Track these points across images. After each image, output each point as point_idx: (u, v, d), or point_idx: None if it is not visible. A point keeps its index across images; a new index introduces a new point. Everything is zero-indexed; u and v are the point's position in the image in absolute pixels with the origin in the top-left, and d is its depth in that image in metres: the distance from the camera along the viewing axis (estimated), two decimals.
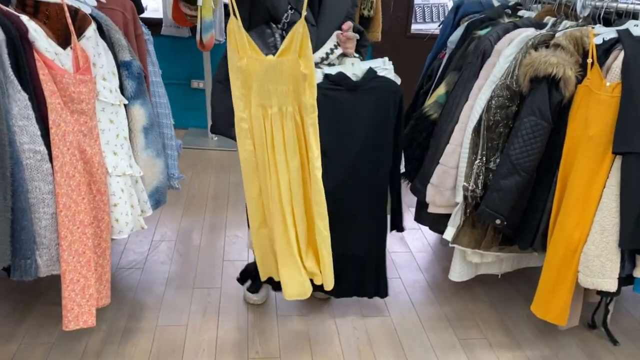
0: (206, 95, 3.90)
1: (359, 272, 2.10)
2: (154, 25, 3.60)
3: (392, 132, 1.99)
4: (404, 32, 4.27)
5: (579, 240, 1.79)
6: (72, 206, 1.65)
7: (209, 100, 2.48)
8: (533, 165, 1.85)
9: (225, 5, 3.49)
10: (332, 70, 1.89)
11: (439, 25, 2.74)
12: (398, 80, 2.02)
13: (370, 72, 1.93)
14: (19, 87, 1.53)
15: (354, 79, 1.91)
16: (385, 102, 1.94)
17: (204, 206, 3.07)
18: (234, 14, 1.59)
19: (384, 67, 1.98)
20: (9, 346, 1.93)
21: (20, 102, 1.53)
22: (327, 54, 1.94)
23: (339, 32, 1.95)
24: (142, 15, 3.13)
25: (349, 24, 1.95)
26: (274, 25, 1.90)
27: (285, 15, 1.91)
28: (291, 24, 1.90)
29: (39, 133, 1.57)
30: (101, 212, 1.75)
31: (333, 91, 1.87)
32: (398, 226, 2.19)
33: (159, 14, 4.01)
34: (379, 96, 1.92)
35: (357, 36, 1.97)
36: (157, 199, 2.03)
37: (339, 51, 1.95)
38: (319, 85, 1.83)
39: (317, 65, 1.92)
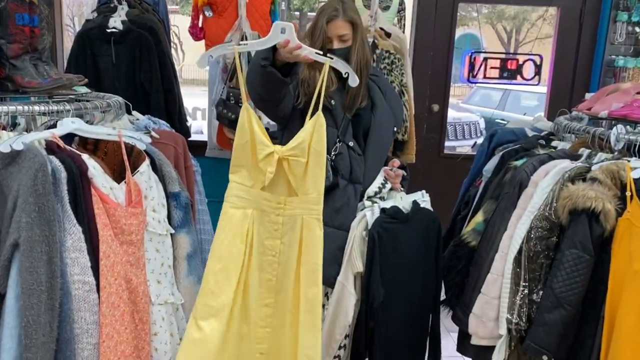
0: None
1: None
2: (199, 147, 3.80)
3: (433, 260, 2.08)
4: (437, 152, 4.38)
5: None
6: (115, 336, 1.67)
7: None
8: (578, 298, 1.81)
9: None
10: (386, 204, 2.02)
11: (473, 146, 2.82)
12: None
13: (416, 204, 2.05)
14: (75, 221, 1.61)
15: (404, 211, 2.02)
16: (428, 231, 2.05)
17: None
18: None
19: (423, 200, 2.10)
20: None
21: (74, 235, 1.61)
22: (379, 188, 2.06)
23: (387, 168, 2.06)
24: (188, 139, 3.33)
25: (396, 162, 2.09)
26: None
27: (335, 147, 2.01)
28: (339, 154, 2.01)
29: (89, 264, 1.63)
30: (142, 341, 1.76)
31: (390, 224, 1.98)
32: (436, 357, 2.18)
33: (203, 137, 4.24)
34: (424, 226, 2.04)
35: (404, 172, 2.09)
36: None
37: (388, 186, 2.09)
38: (378, 219, 1.93)
39: (370, 199, 2.01)
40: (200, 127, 6.61)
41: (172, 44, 3.96)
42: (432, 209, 2.12)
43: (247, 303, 1.81)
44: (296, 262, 1.78)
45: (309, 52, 1.77)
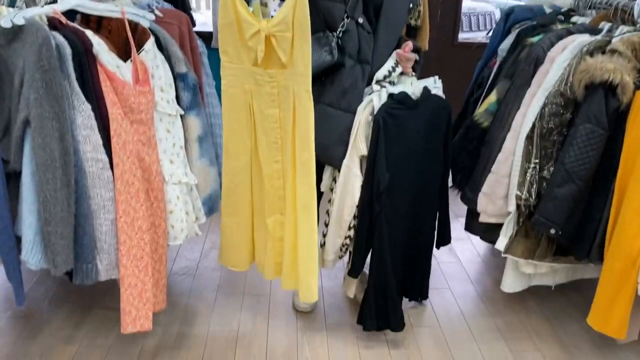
0: None
1: (411, 276, 2.16)
2: (205, 38, 3.70)
3: (442, 145, 2.06)
4: (451, 41, 4.24)
5: (638, 251, 1.74)
6: (131, 212, 1.71)
7: None
8: (589, 173, 1.81)
9: None
10: (395, 90, 1.96)
11: (487, 34, 2.71)
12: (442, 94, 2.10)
13: (426, 90, 1.99)
14: (83, 99, 1.60)
15: (413, 97, 1.97)
16: (437, 118, 2.01)
17: None
18: None
19: (435, 86, 2.04)
20: (68, 347, 2.01)
21: (84, 113, 1.60)
22: (389, 72, 2.00)
23: (399, 50, 1.98)
24: (193, 29, 3.23)
25: (409, 45, 2.01)
26: (329, 33, 1.93)
27: (342, 23, 1.94)
28: (347, 32, 1.94)
29: (101, 142, 1.64)
30: (158, 218, 1.80)
31: (397, 110, 1.93)
32: (445, 240, 2.22)
33: (208, 27, 4.11)
34: (433, 112, 2.00)
35: (416, 56, 2.03)
36: (210, 206, 2.08)
37: (399, 69, 2.00)
38: (385, 105, 1.91)
39: (379, 82, 1.96)
40: (205, 19, 6.39)
41: None
42: (443, 95, 2.07)
43: (260, 161, 1.97)
44: (292, 128, 1.87)
45: None
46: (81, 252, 1.68)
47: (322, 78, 1.97)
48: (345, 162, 1.97)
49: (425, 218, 2.11)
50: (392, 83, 2.02)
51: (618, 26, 1.93)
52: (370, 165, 1.94)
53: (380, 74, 2.00)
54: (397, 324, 2.08)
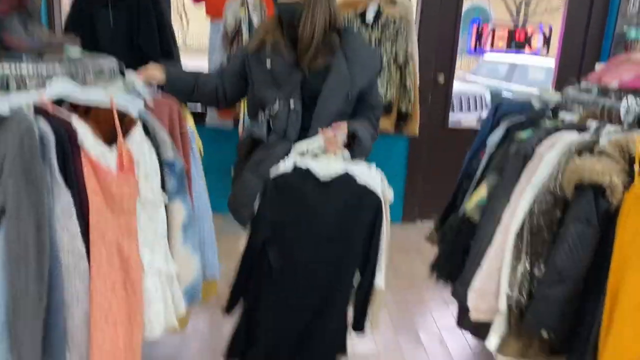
0: None
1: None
2: (199, 116, 3.73)
3: (361, 242, 1.97)
4: (442, 125, 4.30)
5: (638, 354, 1.67)
6: (106, 305, 1.63)
7: None
8: (580, 274, 1.76)
9: None
10: (304, 164, 1.93)
11: (478, 120, 2.75)
12: (390, 191, 2.00)
13: (345, 177, 1.92)
14: (64, 187, 1.56)
15: (319, 177, 1.91)
16: (358, 208, 1.93)
17: None
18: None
19: (368, 174, 1.95)
20: None
21: (63, 201, 1.56)
22: (308, 146, 1.98)
23: (324, 130, 2.00)
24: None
25: (338, 126, 2.03)
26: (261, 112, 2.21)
27: (271, 107, 2.21)
28: (276, 114, 2.20)
29: (79, 231, 1.59)
30: (134, 311, 1.72)
31: (297, 182, 1.92)
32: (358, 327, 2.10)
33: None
34: (351, 200, 1.92)
35: (342, 139, 1.99)
36: (192, 295, 2.00)
37: (317, 147, 1.97)
38: (285, 175, 1.93)
39: (300, 154, 1.98)
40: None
41: (177, 13, 3.86)
42: (381, 186, 1.97)
43: None
44: None
45: None
46: (50, 347, 1.59)
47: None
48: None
49: (329, 307, 2.01)
50: (316, 157, 1.98)
51: (605, 125, 1.95)
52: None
53: (300, 146, 2.00)
54: None
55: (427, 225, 2.70)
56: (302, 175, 1.92)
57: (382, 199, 1.97)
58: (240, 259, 2.03)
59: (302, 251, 1.97)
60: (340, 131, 2.01)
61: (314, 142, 1.98)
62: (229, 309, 2.09)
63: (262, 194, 1.96)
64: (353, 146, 2.09)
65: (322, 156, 1.97)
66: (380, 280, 2.03)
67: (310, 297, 2.00)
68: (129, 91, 1.97)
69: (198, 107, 4.15)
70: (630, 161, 1.75)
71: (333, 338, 2.08)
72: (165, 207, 1.87)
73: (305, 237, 1.95)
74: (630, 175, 1.73)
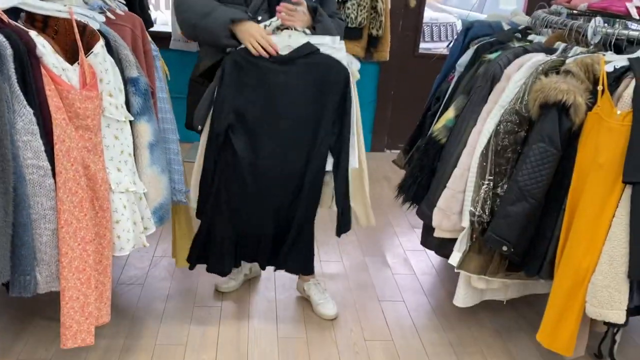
0: None
1: (285, 246, 2.08)
2: (163, 39, 3.61)
3: (331, 115, 1.89)
4: (412, 51, 4.26)
5: (587, 269, 1.76)
6: (74, 222, 1.63)
7: None
8: (541, 192, 1.82)
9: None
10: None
11: (448, 46, 2.73)
12: (356, 64, 1.95)
13: (307, 47, 1.84)
14: (25, 102, 1.52)
15: (286, 51, 1.84)
16: (325, 82, 1.86)
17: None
18: None
19: (332, 46, 1.88)
20: None
21: (25, 117, 1.52)
22: (264, 26, 1.91)
23: (282, 3, 1.92)
24: (150, 29, 3.15)
25: (299, 3, 1.91)
26: None
27: None
28: None
29: (42, 148, 1.56)
30: (103, 229, 1.73)
31: (256, 59, 1.85)
32: (342, 227, 2.11)
33: (167, 28, 4.03)
34: (318, 73, 1.85)
35: (297, 7, 1.90)
36: (161, 215, 2.01)
37: (277, 23, 1.91)
38: (242, 50, 1.86)
39: None
40: (165, 19, 6.28)
41: None
42: (355, 63, 1.90)
43: None
44: None
45: None
46: (19, 263, 1.59)
47: None
48: None
49: (302, 189, 1.97)
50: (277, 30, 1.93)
51: (572, 47, 1.96)
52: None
53: (260, 24, 1.94)
54: (217, 267, 2.07)
55: (396, 154, 2.73)
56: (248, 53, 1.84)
57: (349, 71, 1.88)
58: (203, 153, 1.97)
59: (268, 137, 1.88)
60: (301, 5, 1.92)
61: (275, 20, 1.91)
62: (199, 212, 2.08)
63: (220, 75, 1.87)
64: (314, 23, 1.98)
65: (284, 31, 1.89)
66: (354, 160, 1.98)
67: (280, 189, 1.95)
68: (89, 6, 1.88)
69: (163, 27, 4.01)
70: (595, 81, 1.78)
71: (305, 242, 2.06)
72: (131, 126, 1.84)
73: (270, 120, 1.87)
74: (594, 95, 1.76)
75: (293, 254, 2.11)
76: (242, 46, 1.91)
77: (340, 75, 1.86)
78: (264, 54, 1.88)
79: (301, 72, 1.84)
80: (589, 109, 1.75)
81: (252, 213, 2.01)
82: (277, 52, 1.89)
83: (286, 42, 1.85)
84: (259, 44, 1.87)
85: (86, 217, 1.65)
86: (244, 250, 2.11)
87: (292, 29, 1.92)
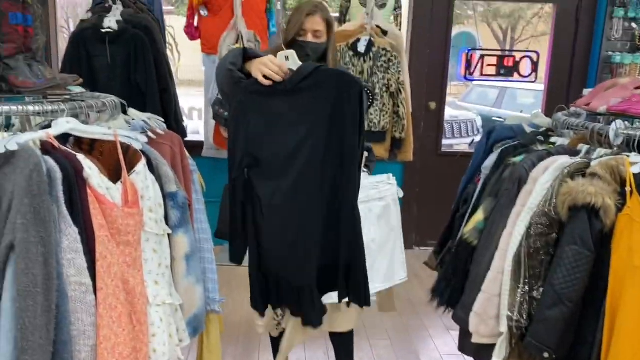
0: None
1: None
2: (196, 147, 3.78)
3: (351, 129, 1.86)
4: (435, 150, 4.37)
5: None
6: (112, 338, 1.65)
7: None
8: (578, 295, 1.80)
9: None
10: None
11: (471, 144, 2.81)
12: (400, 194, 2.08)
13: (308, 66, 1.87)
14: (71, 222, 1.59)
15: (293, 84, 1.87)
16: (335, 96, 1.83)
17: (237, 328, 3.03)
18: None
19: (388, 182, 2.04)
20: None
21: (70, 236, 1.59)
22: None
23: None
24: (185, 139, 3.31)
25: None
26: None
27: None
28: None
29: (85, 265, 1.62)
30: (140, 342, 1.74)
31: (262, 94, 1.89)
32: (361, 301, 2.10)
33: (199, 137, 4.23)
34: (328, 92, 1.83)
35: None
36: (195, 326, 2.02)
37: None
38: (247, 85, 1.91)
39: None
40: (196, 127, 6.59)
41: (167, 45, 3.94)
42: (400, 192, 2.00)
43: None
44: None
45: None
46: None
47: None
48: None
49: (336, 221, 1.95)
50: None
51: (595, 149, 2.01)
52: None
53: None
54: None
55: (424, 251, 2.73)
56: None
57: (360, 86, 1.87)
58: (229, 199, 2.01)
59: (283, 175, 1.90)
60: None
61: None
62: (235, 257, 2.16)
63: (232, 114, 1.92)
64: (368, 162, 2.16)
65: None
66: (403, 272, 2.12)
67: (308, 219, 1.94)
68: (131, 127, 2.01)
69: (195, 137, 4.20)
70: (622, 183, 1.80)
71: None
72: (169, 238, 1.90)
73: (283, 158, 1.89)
74: (622, 196, 1.78)
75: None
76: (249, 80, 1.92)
77: (355, 90, 1.83)
78: (277, 78, 1.88)
79: (310, 100, 1.84)
80: (619, 210, 1.76)
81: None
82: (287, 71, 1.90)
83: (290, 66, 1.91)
84: (269, 69, 1.88)
85: (124, 332, 1.67)
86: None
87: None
